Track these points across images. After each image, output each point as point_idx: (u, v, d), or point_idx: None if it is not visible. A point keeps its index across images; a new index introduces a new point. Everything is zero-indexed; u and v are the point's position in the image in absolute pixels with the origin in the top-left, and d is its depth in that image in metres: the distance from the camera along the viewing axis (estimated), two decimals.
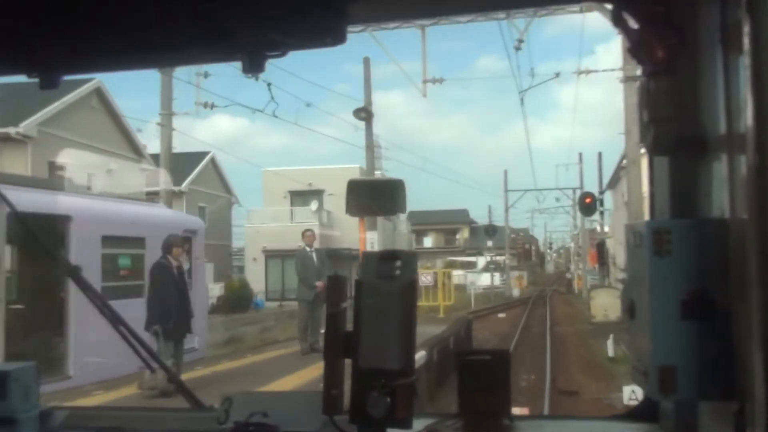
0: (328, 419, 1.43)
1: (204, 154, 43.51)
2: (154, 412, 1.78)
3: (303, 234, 13.87)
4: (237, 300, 34.80)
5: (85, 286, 1.85)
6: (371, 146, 22.73)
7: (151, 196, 21.29)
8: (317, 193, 44.00)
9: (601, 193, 37.57)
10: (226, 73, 36.26)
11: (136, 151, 34.46)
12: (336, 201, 43.34)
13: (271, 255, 40.79)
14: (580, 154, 51.14)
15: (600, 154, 41.80)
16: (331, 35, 1.30)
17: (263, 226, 41.46)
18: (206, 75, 20.92)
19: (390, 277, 1.42)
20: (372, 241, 18.47)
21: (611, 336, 16.37)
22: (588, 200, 29.97)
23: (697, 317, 1.19)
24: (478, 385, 1.47)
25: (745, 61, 1.05)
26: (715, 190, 1.29)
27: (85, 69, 1.48)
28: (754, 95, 1.03)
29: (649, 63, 1.35)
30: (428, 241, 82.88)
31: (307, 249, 13.52)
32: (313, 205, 42.35)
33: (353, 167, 46.21)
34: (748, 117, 1.04)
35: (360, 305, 1.42)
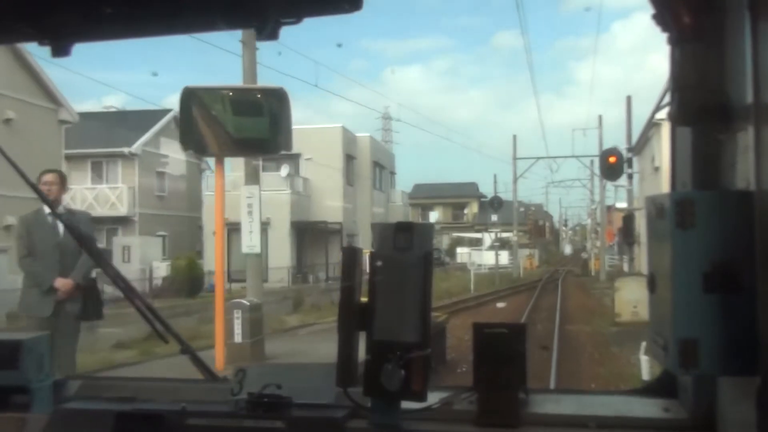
0: (341, 391, 1.62)
1: (165, 111, 42.82)
2: (167, 382, 1.97)
3: (38, 179, 7.19)
4: (184, 282, 32.76)
5: (100, 259, 2.04)
6: (251, 43, 15.70)
7: None
8: (293, 157, 42.06)
9: (630, 149, 32.50)
10: None
11: (50, 98, 30.98)
12: (315, 167, 42.23)
13: (235, 228, 39.77)
14: (600, 117, 49.24)
15: (629, 99, 35.81)
16: (347, 1, 1.44)
17: (226, 194, 40.28)
18: None
19: (405, 249, 1.60)
20: (251, 202, 13.06)
21: (643, 345, 11.91)
22: (612, 159, 26.25)
23: (721, 290, 1.30)
24: (494, 358, 1.64)
25: None
26: (740, 161, 1.42)
27: (96, 36, 1.62)
28: None
29: (674, 29, 1.50)
30: (434, 216, 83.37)
31: (45, 212, 7.36)
32: (284, 170, 40.65)
33: (335, 127, 45.56)
34: None
35: (375, 277, 1.60)
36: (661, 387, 1.77)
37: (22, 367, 1.79)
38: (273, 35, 1.44)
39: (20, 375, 1.79)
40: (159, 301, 25.36)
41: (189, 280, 32.99)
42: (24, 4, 1.45)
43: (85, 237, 2.10)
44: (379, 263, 1.60)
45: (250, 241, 13.22)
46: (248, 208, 13.10)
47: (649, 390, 1.82)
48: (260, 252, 13.70)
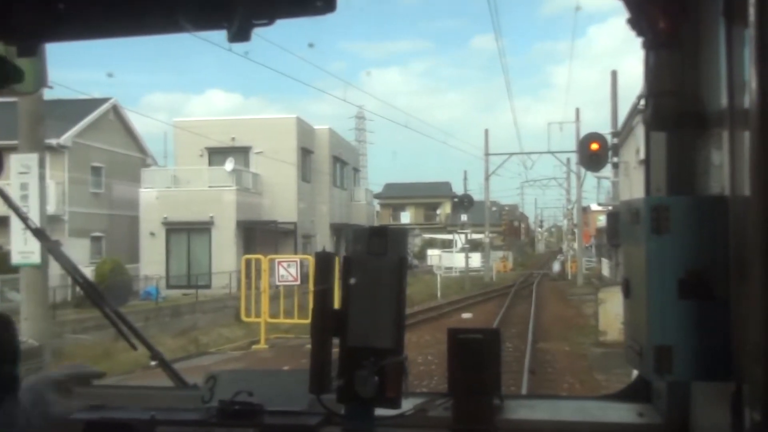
0: (314, 398, 1.74)
1: (102, 101, 42.04)
2: (137, 389, 2.07)
3: None
4: (107, 289, 29.61)
5: (63, 261, 2.13)
6: None
7: None
8: (242, 150, 42.43)
9: (616, 134, 30.01)
10: None
11: None
12: (266, 161, 41.68)
13: (174, 228, 39.35)
14: (577, 110, 49.40)
15: (615, 74, 33.35)
16: (321, 3, 1.54)
17: (165, 190, 39.73)
18: None
19: (380, 254, 1.72)
20: (26, 180, 8.92)
21: (636, 375, 8.07)
22: (595, 146, 24.56)
23: (695, 297, 1.42)
24: (469, 364, 1.77)
25: (749, 34, 1.24)
26: (714, 167, 1.54)
27: (65, 36, 1.70)
28: (758, 69, 1.21)
29: (649, 34, 1.63)
30: (406, 217, 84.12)
31: None
32: (228, 164, 39.74)
33: (289, 117, 45.03)
34: (751, 92, 1.23)
35: (348, 282, 1.72)
36: (635, 392, 1.91)
37: None
38: (246, 37, 1.54)
39: None
40: (75, 312, 23.75)
41: (114, 287, 31.38)
42: None
43: (58, 253, 2.18)
44: (352, 268, 1.72)
45: (24, 246, 8.91)
46: (22, 189, 8.80)
47: (623, 395, 1.96)
48: (41, 262, 9.48)
